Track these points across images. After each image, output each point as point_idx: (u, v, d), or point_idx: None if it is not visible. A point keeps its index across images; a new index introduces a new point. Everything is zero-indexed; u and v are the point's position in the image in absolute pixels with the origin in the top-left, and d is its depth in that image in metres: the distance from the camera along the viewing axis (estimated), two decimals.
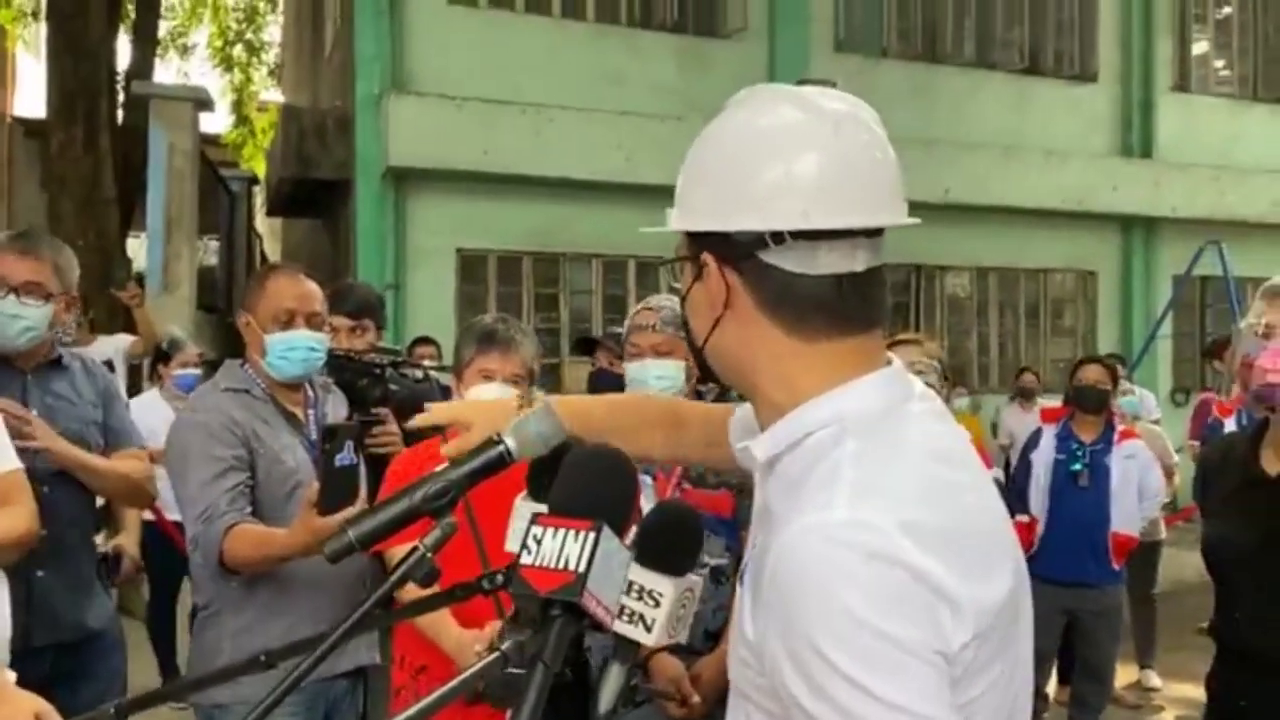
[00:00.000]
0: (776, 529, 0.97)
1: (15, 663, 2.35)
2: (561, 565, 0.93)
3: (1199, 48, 12.05)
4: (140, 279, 6.87)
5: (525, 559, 0.95)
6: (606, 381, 3.57)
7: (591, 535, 0.94)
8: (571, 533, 0.95)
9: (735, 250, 1.05)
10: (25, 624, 2.49)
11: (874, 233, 1.06)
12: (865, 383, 1.05)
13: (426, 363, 4.45)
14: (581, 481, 1.02)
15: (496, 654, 0.90)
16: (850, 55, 9.96)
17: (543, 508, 1.02)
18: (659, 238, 1.12)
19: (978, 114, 10.41)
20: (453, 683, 0.87)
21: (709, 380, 1.19)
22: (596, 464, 1.05)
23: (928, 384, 1.27)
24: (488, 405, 1.44)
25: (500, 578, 1.14)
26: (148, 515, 4.15)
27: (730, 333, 1.08)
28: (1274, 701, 2.18)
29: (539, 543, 0.95)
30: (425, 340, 5.82)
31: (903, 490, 0.95)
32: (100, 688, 2.68)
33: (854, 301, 1.05)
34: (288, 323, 2.48)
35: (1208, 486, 2.48)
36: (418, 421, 1.43)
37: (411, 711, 0.85)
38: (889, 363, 1.09)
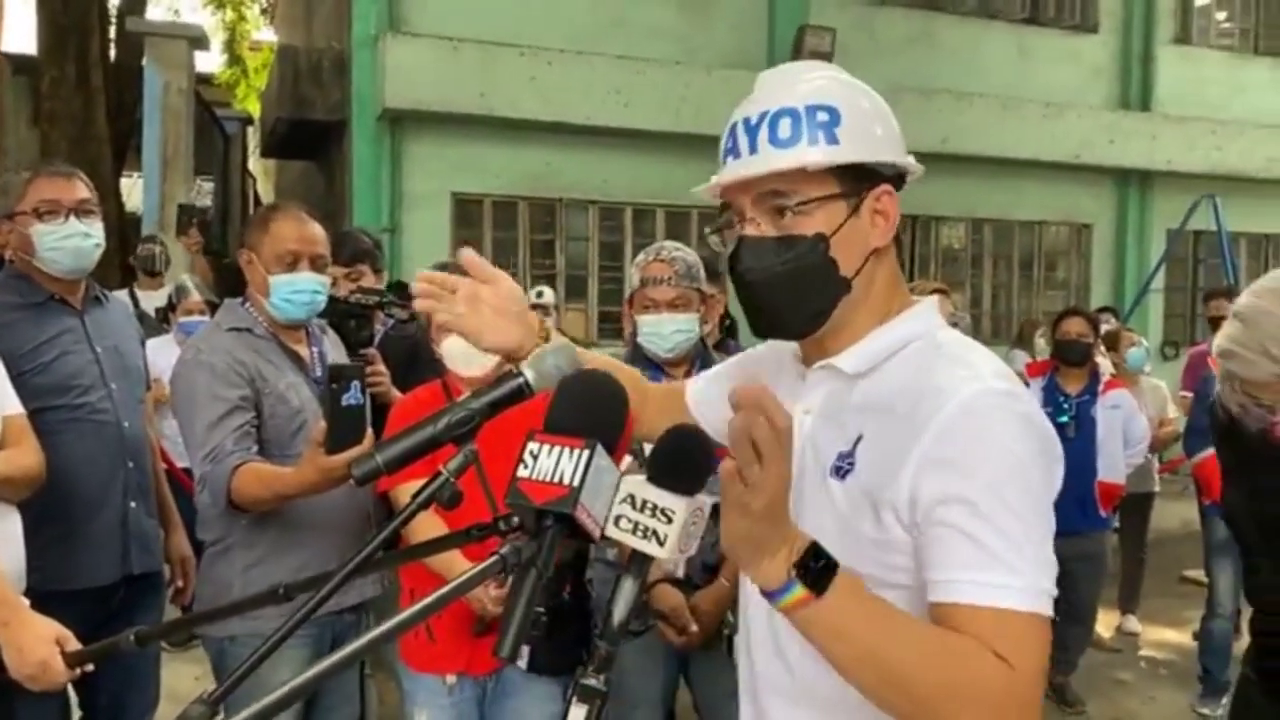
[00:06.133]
0: (919, 406, 1.14)
1: (101, 593, 2.50)
2: (557, 479, 0.99)
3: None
4: (205, 222, 6.58)
5: (522, 472, 1.01)
6: None
7: (585, 453, 1.00)
8: (567, 450, 1.00)
9: (896, 184, 1.25)
10: (125, 549, 2.62)
11: None
12: (930, 304, 1.30)
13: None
14: (578, 403, 1.07)
15: (496, 557, 0.97)
16: (851, 3, 9.81)
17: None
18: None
19: (978, 64, 10.31)
20: (456, 580, 0.95)
21: (806, 328, 1.30)
22: (592, 388, 1.10)
23: (963, 331, 1.37)
24: None
25: (516, 519, 1.20)
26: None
27: (873, 263, 1.25)
28: None
29: (535, 458, 1.02)
30: (403, 286, 5.75)
31: (1011, 377, 1.18)
32: (154, 618, 2.77)
33: None
34: (292, 264, 2.49)
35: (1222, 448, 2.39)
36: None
37: (419, 606, 0.94)
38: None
